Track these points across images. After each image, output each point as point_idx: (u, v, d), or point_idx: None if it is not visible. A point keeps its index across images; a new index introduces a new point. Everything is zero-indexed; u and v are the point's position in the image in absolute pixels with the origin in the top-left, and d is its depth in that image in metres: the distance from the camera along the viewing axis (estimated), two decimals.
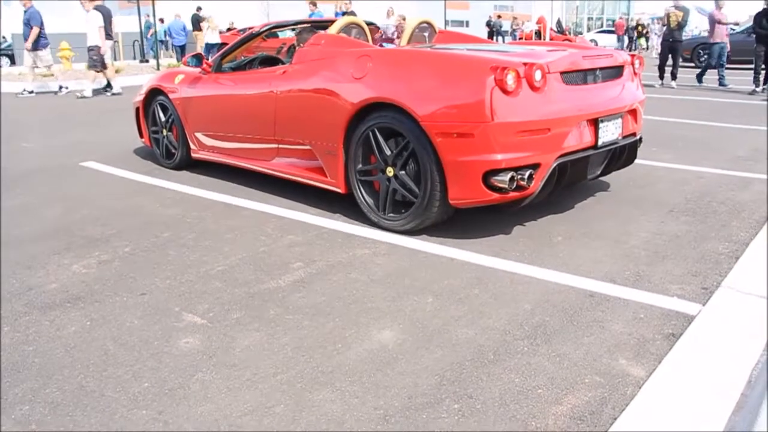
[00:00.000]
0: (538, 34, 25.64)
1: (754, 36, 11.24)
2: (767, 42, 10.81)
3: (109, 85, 11.59)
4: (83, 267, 3.21)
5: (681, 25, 11.80)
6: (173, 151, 5.28)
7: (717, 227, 3.68)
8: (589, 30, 44.85)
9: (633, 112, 3.94)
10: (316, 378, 2.17)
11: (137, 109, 5.63)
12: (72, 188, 4.83)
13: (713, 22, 11.58)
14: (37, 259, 3.34)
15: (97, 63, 10.83)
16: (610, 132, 3.67)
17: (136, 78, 13.43)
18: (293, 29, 5.18)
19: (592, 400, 2.02)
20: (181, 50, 18.80)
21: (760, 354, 2.24)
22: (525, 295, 2.79)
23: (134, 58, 20.63)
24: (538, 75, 3.24)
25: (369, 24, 4.80)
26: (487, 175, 3.22)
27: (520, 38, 25.67)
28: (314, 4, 14.86)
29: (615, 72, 3.87)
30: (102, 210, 4.20)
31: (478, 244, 3.42)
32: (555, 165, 3.34)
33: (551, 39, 23.77)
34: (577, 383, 2.11)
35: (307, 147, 4.02)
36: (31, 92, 11.49)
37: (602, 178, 4.32)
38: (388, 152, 3.55)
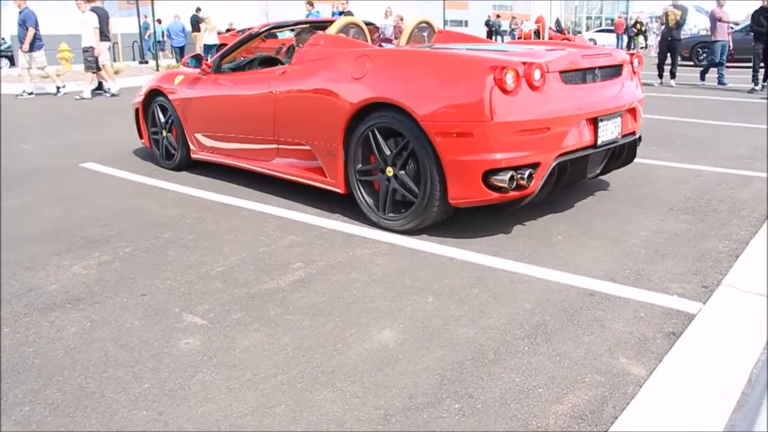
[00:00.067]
0: (537, 33, 25.67)
1: (752, 34, 11.25)
2: (765, 40, 10.82)
3: (100, 87, 11.58)
4: (83, 268, 3.21)
5: (679, 24, 11.80)
6: (173, 151, 5.28)
7: (717, 225, 3.68)
8: (587, 29, 44.89)
9: (632, 111, 3.94)
10: (316, 378, 2.17)
11: (137, 110, 5.63)
12: (72, 189, 4.83)
13: (714, 20, 11.58)
14: (37, 259, 3.34)
15: (92, 64, 10.84)
16: (610, 131, 3.67)
17: (135, 79, 13.44)
18: (292, 30, 5.18)
19: (593, 399, 2.02)
20: (181, 51, 18.81)
21: (760, 352, 2.24)
22: (525, 295, 2.79)
23: (134, 60, 20.64)
24: (537, 74, 3.24)
25: (368, 24, 4.81)
26: (487, 175, 3.22)
27: (519, 38, 25.69)
28: (311, 4, 14.88)
29: (614, 71, 3.87)
30: (102, 211, 4.20)
31: (478, 243, 3.42)
32: (554, 164, 3.34)
33: (550, 38, 23.80)
34: (577, 382, 2.11)
35: (307, 147, 4.02)
36: (31, 93, 11.50)
37: (602, 177, 4.33)
38: (387, 152, 3.55)
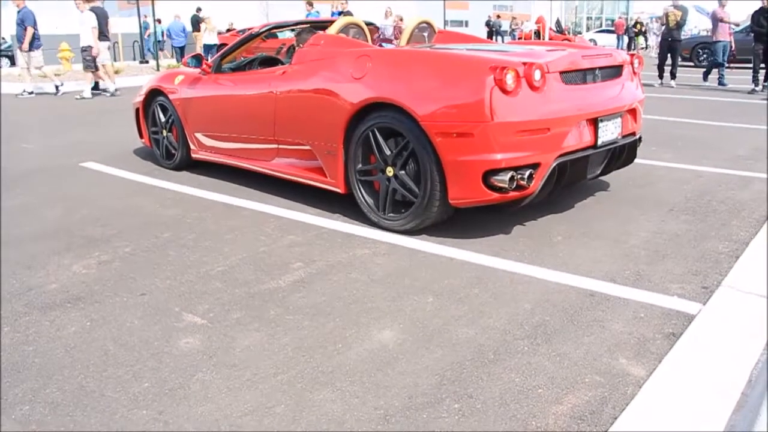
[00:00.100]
0: (537, 33, 25.68)
1: (752, 35, 11.25)
2: (766, 41, 10.82)
3: (96, 87, 11.58)
4: (83, 267, 3.21)
5: (680, 25, 11.80)
6: (173, 151, 5.28)
7: (717, 226, 3.68)
8: (588, 29, 44.90)
9: (632, 112, 3.94)
10: (316, 378, 2.17)
11: (137, 110, 5.63)
12: (72, 188, 4.83)
13: (716, 20, 11.58)
14: (37, 259, 3.34)
15: (91, 64, 10.85)
16: (610, 131, 3.67)
17: (135, 79, 13.43)
18: (292, 30, 5.18)
19: (593, 399, 2.02)
20: (181, 51, 18.81)
21: (760, 353, 2.24)
22: (525, 295, 2.79)
23: (134, 59, 20.65)
24: (537, 75, 3.24)
25: (368, 24, 4.81)
26: (487, 175, 3.22)
27: (519, 38, 25.69)
28: (311, 4, 14.88)
29: (614, 71, 3.88)
30: (102, 210, 4.20)
31: (478, 243, 3.42)
32: (555, 164, 3.34)
33: (550, 39, 23.80)
34: (577, 383, 2.11)
35: (307, 147, 4.02)
36: (31, 93, 11.49)
37: (602, 178, 4.32)
38: (387, 152, 3.55)
